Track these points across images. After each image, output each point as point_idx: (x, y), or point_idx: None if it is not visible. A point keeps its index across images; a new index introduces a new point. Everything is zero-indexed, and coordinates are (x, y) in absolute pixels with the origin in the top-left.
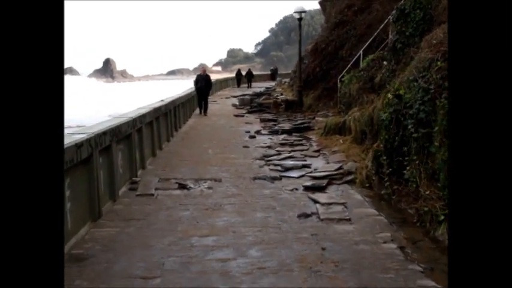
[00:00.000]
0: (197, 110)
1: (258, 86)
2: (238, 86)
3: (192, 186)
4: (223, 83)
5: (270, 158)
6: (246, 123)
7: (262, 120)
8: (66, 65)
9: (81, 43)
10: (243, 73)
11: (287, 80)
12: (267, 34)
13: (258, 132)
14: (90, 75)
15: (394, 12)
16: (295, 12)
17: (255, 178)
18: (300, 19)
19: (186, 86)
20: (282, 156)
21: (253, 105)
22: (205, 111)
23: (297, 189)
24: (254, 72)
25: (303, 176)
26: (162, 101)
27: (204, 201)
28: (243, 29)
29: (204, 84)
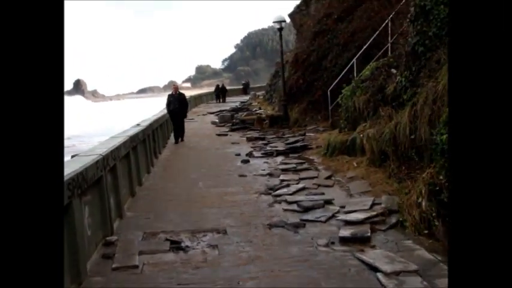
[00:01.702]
0: (172, 138)
1: (232, 101)
2: (218, 101)
3: (188, 244)
4: (198, 99)
5: (277, 192)
6: (233, 143)
7: (249, 139)
8: None
9: None
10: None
11: (260, 93)
12: (233, 50)
13: (249, 154)
14: None
15: (411, 10)
16: (274, 22)
17: (270, 226)
18: (281, 29)
19: (158, 103)
20: (292, 188)
21: (234, 121)
22: (181, 137)
23: (333, 242)
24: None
25: (330, 218)
26: (138, 125)
27: (212, 274)
28: (209, 45)
29: (178, 105)
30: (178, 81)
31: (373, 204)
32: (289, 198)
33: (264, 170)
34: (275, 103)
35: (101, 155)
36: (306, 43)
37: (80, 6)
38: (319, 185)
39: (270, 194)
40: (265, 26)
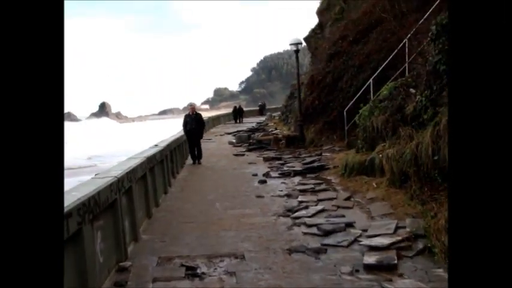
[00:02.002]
0: (189, 159)
1: (249, 122)
2: (236, 122)
3: (205, 270)
4: (215, 120)
5: (296, 214)
6: (249, 163)
7: (266, 159)
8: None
9: (76, 89)
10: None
11: (276, 114)
12: (250, 73)
13: (266, 175)
14: (87, 119)
15: (433, 29)
16: (291, 44)
17: (290, 251)
18: (297, 51)
19: (178, 124)
20: (311, 210)
21: (251, 142)
22: (199, 159)
23: (357, 270)
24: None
25: (353, 242)
26: (156, 146)
27: None
28: (227, 68)
29: (195, 125)
30: (197, 103)
31: (397, 228)
32: (309, 220)
33: (281, 190)
34: (291, 123)
35: (115, 177)
36: (322, 65)
37: (101, 30)
38: (338, 207)
39: (288, 216)
40: (281, 50)
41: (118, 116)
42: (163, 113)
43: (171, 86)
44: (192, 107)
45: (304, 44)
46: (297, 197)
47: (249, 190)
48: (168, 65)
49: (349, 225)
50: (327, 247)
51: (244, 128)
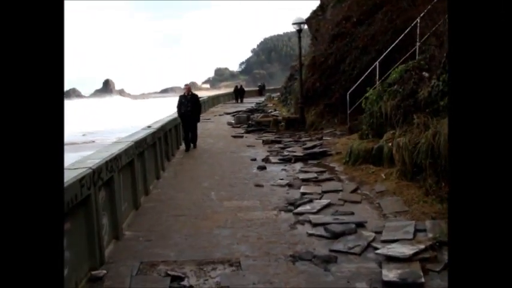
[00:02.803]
0: (182, 145)
1: (249, 102)
2: (236, 101)
3: (193, 282)
4: (215, 100)
5: (299, 209)
6: (248, 146)
7: (266, 142)
8: (69, 87)
9: (81, 66)
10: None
11: (275, 95)
12: (250, 54)
13: (266, 160)
14: (91, 96)
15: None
16: (293, 23)
17: (294, 259)
18: (300, 30)
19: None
20: (315, 204)
21: (250, 123)
22: (194, 144)
23: None
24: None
25: (366, 248)
26: (149, 127)
27: None
28: (228, 49)
29: (190, 107)
30: (198, 82)
31: (416, 231)
32: (314, 218)
33: (282, 179)
34: (290, 105)
35: (90, 168)
36: (324, 46)
37: (109, 9)
38: (345, 201)
39: (290, 211)
40: (281, 32)
41: (121, 94)
42: (165, 91)
43: (173, 65)
44: (187, 87)
45: (305, 26)
46: (299, 188)
47: (248, 177)
48: (170, 44)
49: (360, 225)
50: (337, 254)
51: (244, 109)
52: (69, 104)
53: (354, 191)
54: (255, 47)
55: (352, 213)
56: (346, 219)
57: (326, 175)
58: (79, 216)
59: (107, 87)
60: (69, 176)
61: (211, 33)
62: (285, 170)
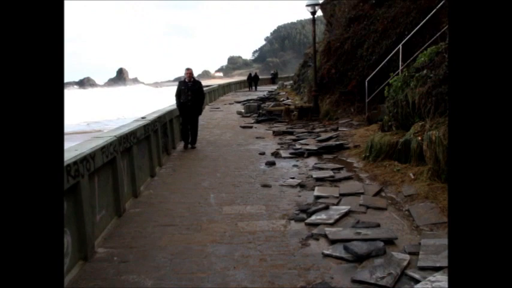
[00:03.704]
0: (181, 143)
1: (260, 90)
2: (250, 89)
3: None
4: (226, 88)
5: (313, 218)
6: (257, 138)
7: (276, 134)
8: (83, 76)
9: (95, 55)
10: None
11: (288, 83)
12: (263, 42)
13: (275, 154)
14: (105, 84)
15: None
16: (307, 5)
17: None
18: (314, 13)
19: None
20: (332, 212)
21: (261, 112)
22: (193, 142)
23: None
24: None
25: (399, 278)
26: (143, 118)
27: None
28: (241, 37)
29: (191, 97)
30: (211, 71)
31: None
32: (331, 232)
33: (293, 177)
34: (303, 93)
35: None
36: (340, 30)
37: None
38: (368, 207)
39: (302, 220)
40: (294, 20)
41: (134, 82)
42: (178, 79)
43: (187, 53)
44: (188, 71)
45: (320, 12)
46: (312, 189)
47: (254, 175)
48: (184, 34)
49: (389, 241)
50: (361, 287)
51: (255, 97)
52: (84, 94)
53: (377, 193)
54: (269, 35)
55: (378, 225)
56: (370, 233)
57: (344, 173)
58: None
59: (121, 76)
60: None
61: (224, 22)
62: (296, 166)
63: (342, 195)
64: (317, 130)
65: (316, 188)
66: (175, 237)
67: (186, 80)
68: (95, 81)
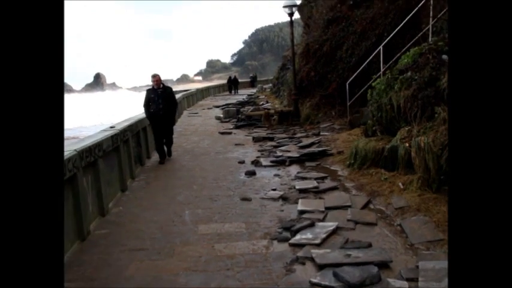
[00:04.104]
0: (155, 154)
1: (240, 93)
2: (230, 92)
3: None
4: (205, 92)
5: (298, 238)
6: (236, 144)
7: (256, 140)
8: None
9: (70, 60)
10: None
11: (267, 86)
12: (242, 45)
13: (256, 162)
14: (82, 90)
15: None
16: (284, 6)
17: None
18: (292, 14)
19: None
20: (318, 230)
21: (240, 117)
22: (169, 154)
23: None
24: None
25: None
26: (112, 127)
27: None
28: (219, 41)
29: (163, 105)
30: (190, 75)
31: None
32: (318, 254)
33: (275, 189)
34: (283, 97)
35: None
36: (318, 32)
37: (100, 4)
38: (356, 222)
39: (286, 240)
40: (272, 23)
41: (113, 87)
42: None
43: (165, 58)
44: (156, 78)
45: (297, 15)
46: (296, 202)
47: (233, 187)
48: (161, 38)
49: (383, 265)
50: None
51: (234, 101)
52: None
53: (366, 205)
54: (247, 38)
55: (370, 245)
56: (362, 256)
57: (328, 182)
58: None
59: (98, 81)
60: None
61: (202, 26)
62: (278, 175)
63: (328, 208)
64: (298, 135)
65: (300, 200)
66: (145, 265)
67: (155, 87)
68: (72, 86)
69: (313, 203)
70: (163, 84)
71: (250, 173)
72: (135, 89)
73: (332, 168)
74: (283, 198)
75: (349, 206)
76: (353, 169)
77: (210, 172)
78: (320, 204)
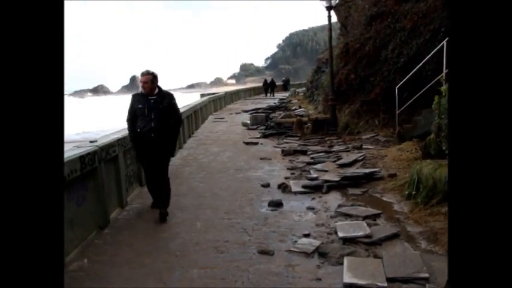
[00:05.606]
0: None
1: (271, 98)
2: (266, 95)
3: None
4: (234, 96)
5: None
6: (262, 159)
7: (286, 154)
8: (97, 84)
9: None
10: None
11: (300, 90)
12: (275, 49)
13: (284, 187)
14: (119, 92)
15: None
16: None
17: None
18: (330, 8)
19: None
20: None
21: (269, 124)
22: (164, 205)
23: None
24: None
25: None
26: (92, 142)
27: None
28: (253, 45)
29: (155, 123)
30: (224, 78)
31: None
32: None
33: (307, 234)
34: (318, 102)
35: None
36: (359, 30)
37: (140, 7)
38: None
39: None
40: (306, 27)
41: None
42: (191, 87)
43: (199, 60)
44: (146, 79)
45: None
46: (338, 261)
47: (250, 226)
48: (197, 40)
49: None
50: None
51: (264, 106)
52: (97, 101)
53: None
54: (281, 42)
55: None
56: None
57: (383, 225)
58: None
59: (134, 83)
60: None
61: (237, 30)
62: (312, 209)
63: (392, 280)
64: (336, 148)
65: (346, 262)
66: None
67: (142, 92)
68: (109, 88)
69: (366, 268)
70: (160, 89)
71: (276, 204)
72: (174, 90)
73: (385, 199)
74: (321, 253)
75: (426, 279)
76: (415, 203)
77: (224, 200)
78: (378, 271)
